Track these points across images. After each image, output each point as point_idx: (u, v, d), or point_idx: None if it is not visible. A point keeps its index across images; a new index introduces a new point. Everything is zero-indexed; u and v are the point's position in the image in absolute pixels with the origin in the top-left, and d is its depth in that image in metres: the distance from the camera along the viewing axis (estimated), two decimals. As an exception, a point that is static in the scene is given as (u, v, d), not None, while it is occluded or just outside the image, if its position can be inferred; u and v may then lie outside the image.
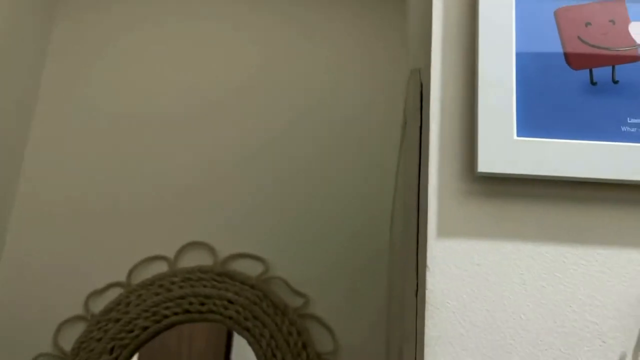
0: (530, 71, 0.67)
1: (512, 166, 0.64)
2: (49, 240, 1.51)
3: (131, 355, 1.47)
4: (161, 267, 1.51)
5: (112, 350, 1.44)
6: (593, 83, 0.68)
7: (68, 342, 1.45)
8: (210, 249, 1.52)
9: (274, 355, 1.45)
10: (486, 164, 0.63)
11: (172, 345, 1.61)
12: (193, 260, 1.52)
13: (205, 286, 1.50)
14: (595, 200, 0.65)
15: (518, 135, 0.65)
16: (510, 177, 0.64)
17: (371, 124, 1.57)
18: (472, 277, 0.63)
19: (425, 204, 0.65)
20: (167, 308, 1.48)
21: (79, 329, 1.46)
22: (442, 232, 0.64)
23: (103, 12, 1.66)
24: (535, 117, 0.66)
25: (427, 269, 0.63)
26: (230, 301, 1.49)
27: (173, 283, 1.50)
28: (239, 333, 1.48)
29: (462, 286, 0.63)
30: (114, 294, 1.49)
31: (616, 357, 0.61)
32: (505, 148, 0.64)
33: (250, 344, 1.47)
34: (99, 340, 1.45)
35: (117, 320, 1.46)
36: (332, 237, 1.53)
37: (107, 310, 1.47)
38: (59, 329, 1.45)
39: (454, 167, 0.65)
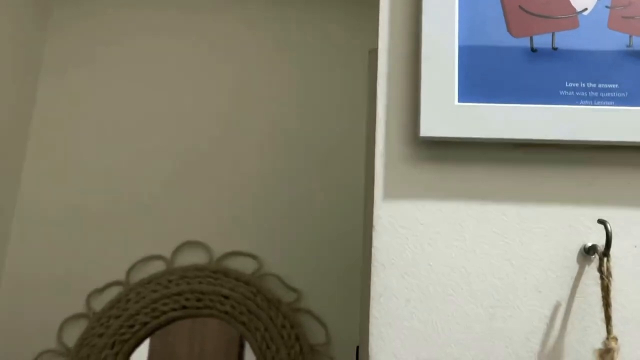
0: (473, 39, 0.72)
1: (453, 130, 0.68)
2: (50, 244, 1.57)
3: (131, 350, 1.52)
4: (158, 266, 1.56)
5: (113, 345, 1.50)
6: (533, 50, 0.72)
7: (71, 338, 1.50)
8: (206, 248, 1.57)
9: (269, 347, 1.50)
10: (428, 128, 0.68)
11: (182, 351, 1.65)
12: (189, 258, 1.57)
13: (201, 283, 1.55)
14: (534, 161, 0.69)
15: (459, 101, 0.69)
16: (451, 140, 0.69)
17: (354, 114, 1.62)
18: (415, 236, 0.67)
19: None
20: (165, 304, 1.53)
21: (81, 326, 1.51)
22: (388, 194, 0.68)
23: (95, 25, 1.74)
24: (477, 84, 0.70)
25: (373, 229, 0.67)
26: (225, 297, 1.53)
27: (170, 281, 1.55)
28: (235, 327, 1.52)
29: (406, 244, 0.67)
30: (113, 292, 1.54)
31: (551, 305, 0.65)
32: (446, 113, 0.68)
33: (245, 337, 1.52)
34: (101, 336, 1.50)
35: (118, 317, 1.52)
36: (322, 233, 1.58)
37: (108, 307, 1.53)
38: (62, 327, 1.51)
39: (400, 134, 0.70)
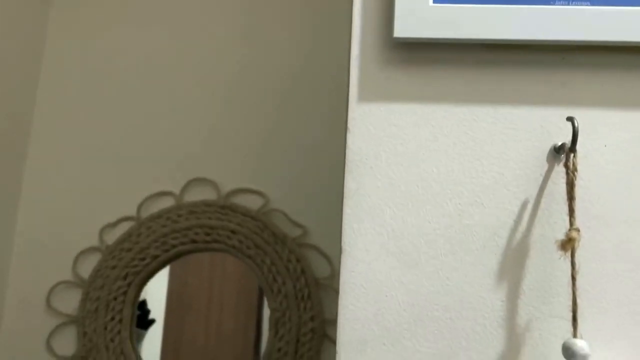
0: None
1: (426, 31, 0.68)
2: (63, 182, 1.62)
3: (144, 282, 1.58)
4: (168, 202, 1.61)
5: (126, 276, 1.56)
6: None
7: (85, 270, 1.57)
8: (213, 185, 1.61)
9: (275, 280, 1.54)
10: (402, 29, 0.68)
11: (202, 291, 1.72)
12: (197, 195, 1.61)
13: (209, 218, 1.59)
14: (507, 63, 0.70)
15: (434, 2, 0.69)
16: (425, 41, 0.69)
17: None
18: (389, 137, 0.69)
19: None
20: (175, 238, 1.58)
21: (94, 259, 1.58)
22: (362, 97, 0.70)
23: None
24: (452, -14, 0.70)
25: (347, 131, 0.69)
26: (233, 231, 1.58)
27: (180, 216, 1.60)
28: (242, 260, 1.57)
29: (379, 145, 0.69)
30: (125, 227, 1.60)
31: (519, 202, 0.67)
32: (420, 14, 0.69)
33: (252, 270, 1.56)
34: (114, 268, 1.57)
35: (129, 250, 1.57)
36: (328, 171, 1.60)
37: (120, 241, 1.59)
38: (76, 259, 1.58)
39: (375, 37, 0.71)
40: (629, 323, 0.63)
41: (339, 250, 1.56)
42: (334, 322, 1.54)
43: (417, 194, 0.67)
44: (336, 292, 1.54)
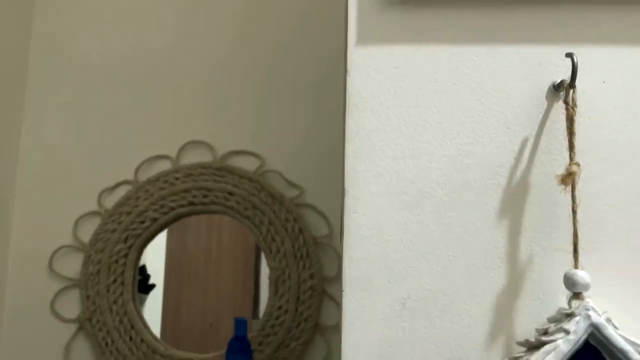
0: None
1: (425, -26, 0.68)
2: (61, 147, 1.63)
3: (144, 244, 1.59)
4: (165, 165, 1.61)
5: (126, 239, 1.57)
6: None
7: (86, 234, 1.58)
8: (209, 147, 1.61)
9: (274, 240, 1.56)
10: (400, -29, 0.68)
11: (200, 269, 1.73)
12: (193, 157, 1.61)
13: (206, 180, 1.60)
14: (506, 1, 0.69)
15: (432, -54, 0.69)
16: (424, -16, 0.69)
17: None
18: (389, 79, 0.69)
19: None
20: (173, 201, 1.59)
21: (94, 222, 1.58)
22: (361, 39, 0.70)
23: None
24: None
25: (347, 74, 0.69)
26: (230, 193, 1.58)
27: (177, 178, 1.60)
28: (240, 221, 1.58)
29: (379, 87, 0.69)
30: (123, 190, 1.60)
31: (519, 141, 0.67)
32: (418, -44, 0.69)
33: (251, 230, 1.57)
34: (114, 231, 1.57)
35: (129, 213, 1.58)
36: (323, 131, 1.60)
37: (119, 205, 1.59)
38: (76, 224, 1.58)
39: (373, -19, 0.71)
40: (628, 255, 0.64)
41: (336, 209, 1.58)
42: (332, 279, 1.56)
43: (417, 134, 0.68)
44: (334, 250, 1.57)
